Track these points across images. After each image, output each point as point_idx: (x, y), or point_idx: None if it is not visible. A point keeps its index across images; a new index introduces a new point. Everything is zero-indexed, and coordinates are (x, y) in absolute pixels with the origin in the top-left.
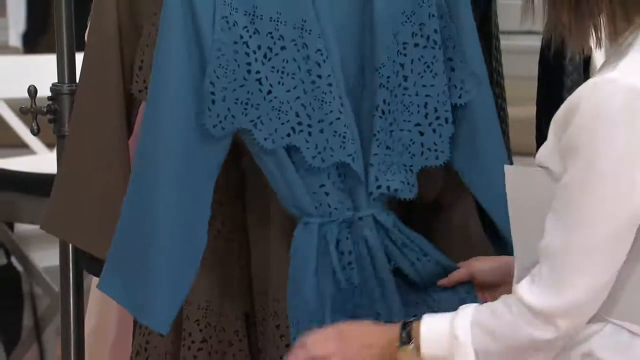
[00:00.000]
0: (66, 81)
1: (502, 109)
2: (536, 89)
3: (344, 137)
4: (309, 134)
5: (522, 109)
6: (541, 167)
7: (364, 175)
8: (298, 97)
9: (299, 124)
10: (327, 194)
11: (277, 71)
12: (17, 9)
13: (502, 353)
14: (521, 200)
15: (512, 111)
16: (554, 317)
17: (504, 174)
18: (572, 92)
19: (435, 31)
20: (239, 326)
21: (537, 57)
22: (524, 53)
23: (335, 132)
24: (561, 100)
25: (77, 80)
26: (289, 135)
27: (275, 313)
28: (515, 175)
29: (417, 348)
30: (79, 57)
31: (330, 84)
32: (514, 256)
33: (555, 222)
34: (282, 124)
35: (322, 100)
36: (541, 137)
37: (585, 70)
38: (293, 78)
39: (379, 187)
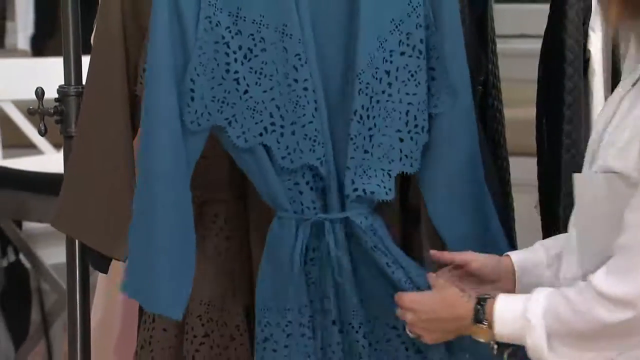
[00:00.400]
0: (72, 83)
1: (499, 111)
2: (528, 91)
3: (315, 140)
4: (281, 134)
5: (517, 110)
6: (610, 172)
7: (335, 178)
8: (273, 99)
9: (272, 124)
10: (300, 192)
11: (255, 72)
12: (26, 13)
13: (573, 336)
14: (587, 203)
15: (507, 112)
16: (630, 301)
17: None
18: (573, 94)
19: (421, 41)
20: (240, 321)
21: (530, 60)
22: (519, 56)
23: (306, 135)
24: (562, 102)
25: (84, 82)
26: (261, 134)
27: None
28: (583, 181)
29: (490, 325)
30: (85, 60)
31: (306, 89)
32: (578, 252)
33: (635, 218)
34: (256, 123)
35: (297, 103)
36: (541, 138)
37: (584, 73)
38: (270, 80)
39: (355, 189)
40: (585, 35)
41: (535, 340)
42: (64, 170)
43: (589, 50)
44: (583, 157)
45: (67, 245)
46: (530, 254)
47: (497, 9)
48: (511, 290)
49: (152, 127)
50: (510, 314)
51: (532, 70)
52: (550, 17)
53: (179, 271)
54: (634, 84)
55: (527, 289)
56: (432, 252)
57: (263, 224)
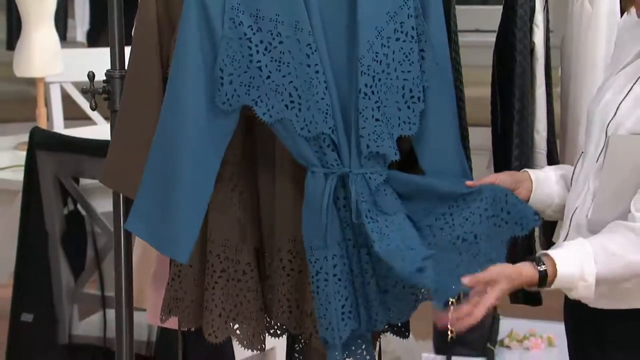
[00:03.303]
0: (117, 68)
1: (460, 90)
2: (481, 75)
3: (327, 113)
4: (299, 110)
5: (472, 90)
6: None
7: (346, 143)
8: (291, 82)
9: (292, 102)
10: (324, 154)
11: (276, 61)
12: (83, 13)
13: (615, 271)
14: (618, 159)
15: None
16: None
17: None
18: (522, 77)
19: (413, 28)
20: (250, 259)
21: (483, 50)
22: (473, 47)
23: (320, 109)
24: (513, 84)
25: (126, 68)
26: (283, 110)
27: (279, 249)
28: (617, 140)
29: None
30: (128, 50)
31: (317, 72)
32: (596, 200)
33: None
34: (278, 102)
35: (310, 84)
36: (496, 113)
37: (531, 59)
38: (288, 66)
39: (370, 152)
40: (531, 30)
41: (590, 283)
42: (111, 139)
43: (534, 42)
44: (530, 128)
45: (114, 197)
46: (542, 171)
47: (458, 10)
48: (527, 197)
49: (180, 106)
50: (569, 274)
51: (484, 58)
52: (503, 14)
53: (193, 225)
54: None
55: (540, 199)
56: (468, 183)
57: (269, 182)
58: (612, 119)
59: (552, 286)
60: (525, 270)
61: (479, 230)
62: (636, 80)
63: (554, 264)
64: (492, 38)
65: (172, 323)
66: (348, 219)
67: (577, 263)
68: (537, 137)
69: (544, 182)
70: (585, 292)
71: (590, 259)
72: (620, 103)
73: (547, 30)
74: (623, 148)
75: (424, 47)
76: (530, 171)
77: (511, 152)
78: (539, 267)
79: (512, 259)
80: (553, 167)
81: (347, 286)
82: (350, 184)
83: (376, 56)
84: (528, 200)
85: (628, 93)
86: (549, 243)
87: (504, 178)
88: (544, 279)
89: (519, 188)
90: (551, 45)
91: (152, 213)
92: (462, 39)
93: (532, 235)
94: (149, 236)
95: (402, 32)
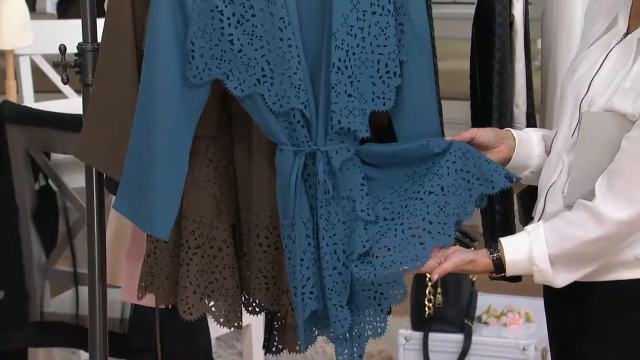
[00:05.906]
0: (89, 41)
1: (434, 64)
2: (457, 47)
3: (299, 88)
4: (271, 84)
5: (448, 62)
6: (611, 110)
7: (316, 118)
8: (263, 55)
9: (264, 76)
10: (294, 130)
11: (248, 34)
12: None
13: (570, 252)
14: (591, 136)
15: (440, 65)
16: (619, 222)
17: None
18: (502, 50)
19: (389, 1)
20: (226, 236)
21: (459, 22)
22: (450, 19)
23: (292, 84)
24: (493, 57)
25: (98, 41)
26: (255, 85)
27: (256, 225)
28: (590, 117)
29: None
30: (100, 22)
31: (290, 45)
32: (572, 176)
33: (631, 146)
34: (250, 76)
35: (283, 58)
36: (474, 86)
37: (510, 32)
38: (260, 40)
39: (341, 128)
40: (510, 3)
41: (542, 268)
42: (84, 113)
43: (513, 15)
44: (510, 102)
45: (87, 172)
46: (524, 132)
47: None
48: (509, 154)
49: (153, 80)
50: (518, 261)
51: (461, 30)
52: None
53: (171, 201)
54: (618, 42)
55: (521, 159)
56: (448, 137)
57: (245, 157)
58: (585, 96)
59: (508, 273)
60: (480, 257)
61: (446, 182)
62: (606, 56)
63: (504, 251)
64: (469, 10)
65: (148, 300)
66: (314, 195)
67: (525, 249)
68: (517, 111)
69: (525, 142)
70: (540, 278)
71: (541, 243)
72: (592, 79)
73: (526, 3)
74: (596, 125)
75: (403, 21)
76: (513, 130)
77: (490, 126)
78: (491, 255)
79: (491, 232)
80: (533, 128)
81: (309, 266)
82: (318, 162)
83: (351, 30)
84: (510, 158)
85: (599, 69)
86: (527, 218)
87: (487, 132)
88: (499, 266)
89: (501, 144)
90: (531, 18)
91: (134, 191)
92: (439, 10)
93: (511, 209)
94: (131, 213)
95: (378, 5)
